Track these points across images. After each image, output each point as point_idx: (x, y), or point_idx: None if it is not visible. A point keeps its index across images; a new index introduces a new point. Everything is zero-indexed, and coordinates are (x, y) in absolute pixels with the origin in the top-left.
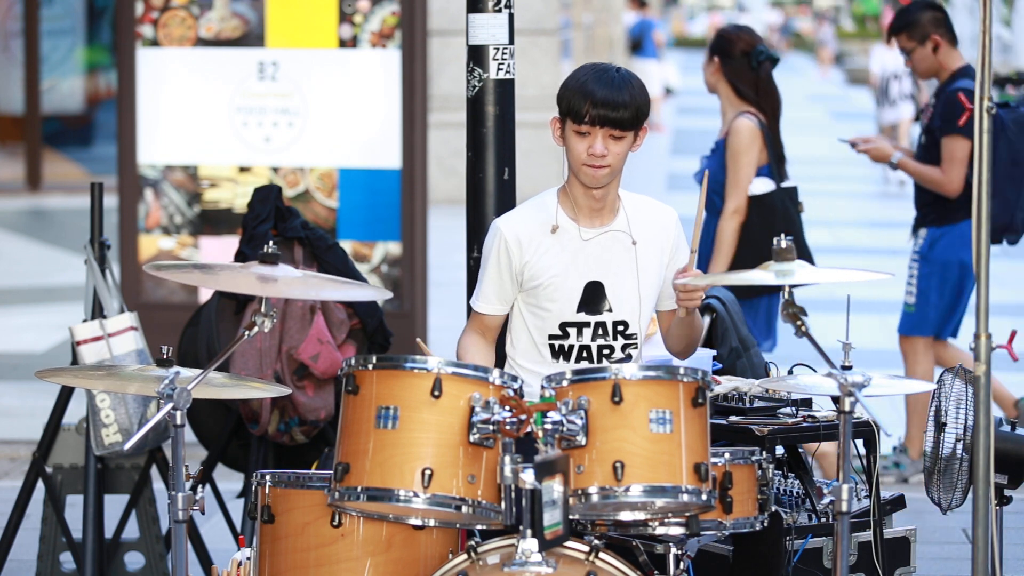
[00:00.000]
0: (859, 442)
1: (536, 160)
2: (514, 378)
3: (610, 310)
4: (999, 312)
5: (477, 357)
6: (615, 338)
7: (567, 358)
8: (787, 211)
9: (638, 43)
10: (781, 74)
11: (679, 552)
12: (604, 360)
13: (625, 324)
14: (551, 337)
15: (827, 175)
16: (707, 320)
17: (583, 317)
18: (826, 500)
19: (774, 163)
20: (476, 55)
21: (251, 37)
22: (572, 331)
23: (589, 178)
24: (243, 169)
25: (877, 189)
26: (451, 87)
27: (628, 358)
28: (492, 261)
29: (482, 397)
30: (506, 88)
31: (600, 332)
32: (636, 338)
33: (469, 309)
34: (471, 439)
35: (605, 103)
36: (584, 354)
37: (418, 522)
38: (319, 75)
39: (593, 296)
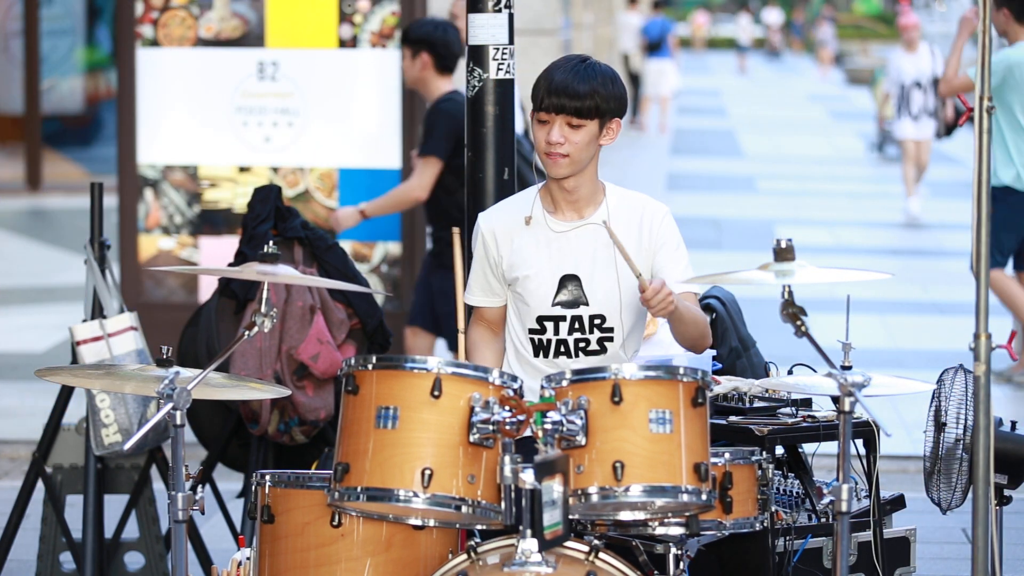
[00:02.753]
0: (859, 442)
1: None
2: (514, 378)
3: (586, 304)
4: (999, 312)
5: (485, 350)
6: (591, 332)
7: (546, 353)
8: None
9: (658, 44)
10: (781, 74)
11: (679, 552)
12: (580, 355)
13: (602, 318)
14: (531, 331)
15: (827, 175)
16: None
17: (559, 311)
18: (826, 500)
19: None
20: (476, 55)
21: (251, 37)
22: (549, 325)
23: (549, 168)
24: (243, 169)
25: (877, 189)
26: None
27: (604, 350)
28: (476, 255)
29: (482, 397)
30: (506, 88)
31: (576, 326)
32: (614, 332)
33: (468, 309)
34: (471, 439)
35: (561, 89)
36: (562, 348)
37: (418, 522)
38: (319, 75)
39: (569, 289)
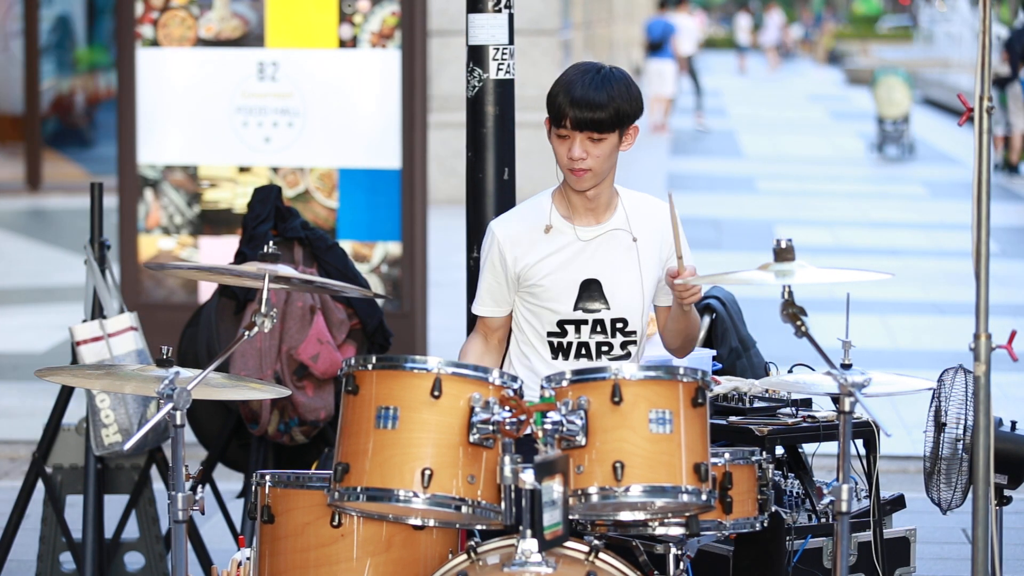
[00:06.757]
0: (859, 442)
1: (536, 160)
2: (514, 378)
3: (608, 307)
4: (999, 312)
5: (473, 359)
6: (613, 335)
7: (566, 355)
8: None
9: (660, 44)
10: (781, 74)
11: (679, 552)
12: (603, 357)
13: (624, 321)
14: (550, 335)
15: (827, 175)
16: (707, 320)
17: (580, 315)
18: (826, 500)
19: None
20: (476, 55)
21: (251, 37)
22: (570, 328)
23: (572, 181)
24: (243, 169)
25: (877, 189)
26: (451, 87)
27: (627, 355)
28: (487, 264)
29: (482, 397)
30: (506, 88)
31: (598, 329)
32: (635, 335)
33: (470, 311)
34: (471, 439)
35: (582, 106)
36: (583, 351)
37: (418, 522)
38: (319, 75)
39: (590, 294)
